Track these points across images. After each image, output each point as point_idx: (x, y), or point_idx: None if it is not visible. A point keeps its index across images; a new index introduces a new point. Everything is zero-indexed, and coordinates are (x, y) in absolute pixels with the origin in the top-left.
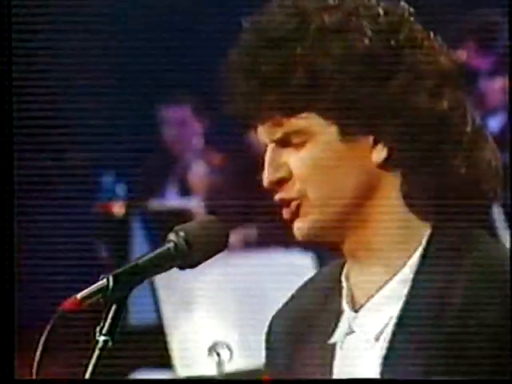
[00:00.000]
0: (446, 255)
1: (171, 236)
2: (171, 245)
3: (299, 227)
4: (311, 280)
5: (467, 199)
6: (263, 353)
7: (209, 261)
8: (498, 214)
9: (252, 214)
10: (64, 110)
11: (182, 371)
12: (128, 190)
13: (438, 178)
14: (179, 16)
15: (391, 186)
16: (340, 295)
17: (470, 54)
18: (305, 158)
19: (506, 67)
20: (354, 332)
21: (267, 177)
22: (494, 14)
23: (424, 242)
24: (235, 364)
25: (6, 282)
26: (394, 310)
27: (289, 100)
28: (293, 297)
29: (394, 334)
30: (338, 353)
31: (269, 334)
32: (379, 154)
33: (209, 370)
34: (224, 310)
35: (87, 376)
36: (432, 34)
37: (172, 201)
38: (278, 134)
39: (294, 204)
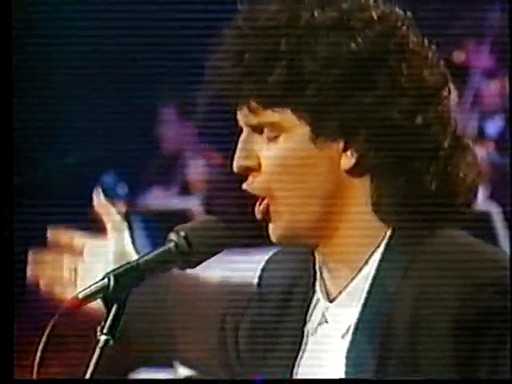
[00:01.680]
0: (404, 251)
1: (172, 236)
2: (172, 244)
3: (273, 232)
4: (276, 267)
5: (436, 213)
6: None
7: (209, 260)
8: (496, 216)
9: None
10: (64, 110)
11: (182, 371)
12: (128, 190)
13: (405, 191)
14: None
15: (359, 192)
16: (311, 285)
17: (471, 52)
18: (274, 154)
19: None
20: (327, 322)
21: (237, 161)
22: (495, 11)
23: (385, 241)
24: None
25: (6, 282)
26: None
27: (266, 92)
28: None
29: (356, 328)
30: (310, 339)
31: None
32: (348, 160)
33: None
34: None
35: (88, 374)
36: (427, 42)
37: (172, 201)
38: (253, 121)
39: (264, 204)
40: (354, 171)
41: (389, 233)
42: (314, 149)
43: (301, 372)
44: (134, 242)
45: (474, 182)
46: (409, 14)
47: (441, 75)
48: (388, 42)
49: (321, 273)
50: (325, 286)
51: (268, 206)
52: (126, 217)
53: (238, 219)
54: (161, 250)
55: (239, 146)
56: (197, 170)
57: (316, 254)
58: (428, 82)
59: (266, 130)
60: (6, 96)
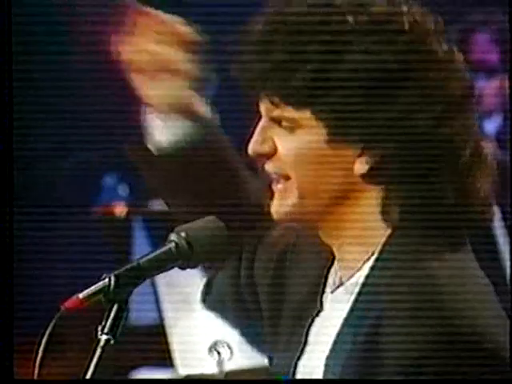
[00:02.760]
0: (398, 259)
1: (172, 236)
2: (172, 245)
3: (278, 208)
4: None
5: (452, 228)
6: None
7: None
8: (496, 222)
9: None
10: (65, 111)
11: (182, 370)
12: (129, 191)
13: (418, 201)
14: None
15: (369, 197)
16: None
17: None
18: (291, 143)
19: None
20: (323, 310)
21: (253, 146)
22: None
23: (381, 244)
24: (235, 363)
25: (6, 283)
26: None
27: (289, 90)
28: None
29: (342, 324)
30: (312, 330)
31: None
32: (362, 165)
33: (209, 368)
34: None
35: (89, 374)
36: (456, 50)
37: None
38: (273, 113)
39: (282, 184)
40: (367, 177)
41: (388, 232)
42: (329, 150)
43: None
44: (134, 243)
45: (490, 193)
46: (440, 19)
47: (467, 84)
48: (417, 52)
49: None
50: (337, 275)
51: (284, 189)
52: (128, 218)
53: (239, 220)
54: (161, 250)
55: (257, 131)
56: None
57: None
58: (455, 92)
59: (284, 122)
60: (5, 96)
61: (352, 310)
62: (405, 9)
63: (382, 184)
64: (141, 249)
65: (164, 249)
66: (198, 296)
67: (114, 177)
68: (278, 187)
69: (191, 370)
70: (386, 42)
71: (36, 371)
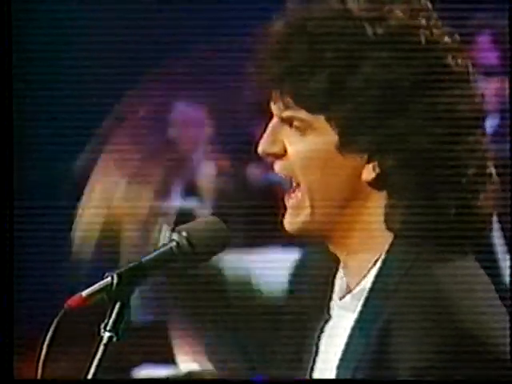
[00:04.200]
0: (404, 258)
1: (174, 236)
2: (174, 244)
3: (292, 222)
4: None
5: (453, 237)
6: None
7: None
8: (496, 231)
9: (254, 214)
10: (66, 110)
11: (184, 367)
12: None
13: (420, 212)
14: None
15: (375, 203)
16: (330, 289)
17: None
18: (301, 144)
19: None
20: (331, 318)
21: (263, 146)
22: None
23: (386, 250)
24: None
25: (6, 283)
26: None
27: (304, 95)
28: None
29: (352, 330)
30: (323, 338)
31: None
32: (370, 172)
33: (209, 365)
34: None
35: (92, 371)
36: (471, 68)
37: (175, 201)
38: (285, 114)
39: (297, 193)
40: (374, 183)
41: (391, 239)
42: (339, 156)
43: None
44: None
45: (491, 211)
46: (456, 36)
47: (478, 106)
48: (432, 68)
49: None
50: (345, 283)
51: (295, 193)
52: None
53: (240, 219)
54: (163, 249)
55: (268, 131)
56: (203, 172)
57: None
58: (465, 113)
59: (295, 123)
60: (5, 96)
61: (360, 316)
62: (423, 22)
63: (387, 191)
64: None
65: (166, 248)
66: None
67: None
68: (290, 202)
69: (192, 366)
70: (401, 57)
71: (40, 369)
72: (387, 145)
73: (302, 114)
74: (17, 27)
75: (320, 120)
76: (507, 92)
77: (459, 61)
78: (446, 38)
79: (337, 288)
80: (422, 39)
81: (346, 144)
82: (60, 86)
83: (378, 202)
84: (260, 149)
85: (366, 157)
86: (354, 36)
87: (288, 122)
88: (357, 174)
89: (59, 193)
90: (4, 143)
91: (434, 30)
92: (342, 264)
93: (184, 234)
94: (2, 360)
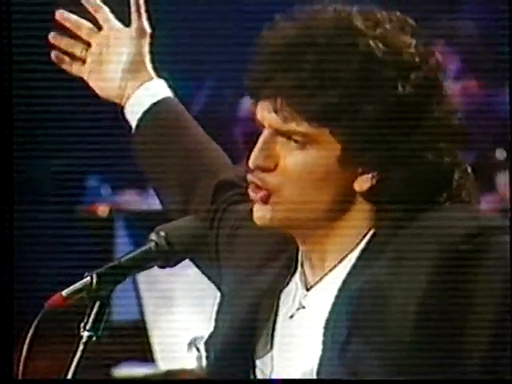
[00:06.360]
0: (385, 247)
1: (152, 236)
2: (152, 244)
3: (264, 213)
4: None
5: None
6: None
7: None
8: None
9: None
10: (52, 112)
11: (163, 365)
12: (112, 191)
13: (411, 229)
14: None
15: (362, 212)
16: (291, 275)
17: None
18: (299, 159)
19: (471, 71)
20: (304, 307)
21: (255, 160)
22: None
23: (366, 239)
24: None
25: (6, 283)
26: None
27: (311, 110)
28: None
29: (331, 311)
30: (288, 323)
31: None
32: (363, 183)
33: (189, 364)
34: (203, 305)
35: (71, 370)
36: (449, 84)
37: (155, 202)
38: (283, 128)
39: (264, 192)
40: (365, 194)
41: (371, 232)
42: (339, 168)
43: (276, 354)
44: (116, 242)
45: (477, 207)
46: (439, 56)
47: (459, 119)
48: (430, 87)
49: (302, 264)
50: (304, 275)
51: (269, 196)
52: (110, 217)
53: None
54: (142, 249)
55: (260, 145)
56: None
57: (300, 246)
58: (454, 127)
59: (295, 136)
60: (5, 96)
61: (334, 307)
62: (414, 42)
63: (378, 202)
64: (123, 248)
65: (144, 248)
66: (178, 293)
67: (98, 178)
68: (259, 195)
69: (171, 365)
70: (404, 76)
71: (20, 370)
72: (392, 158)
73: (305, 127)
74: (16, 28)
75: (324, 133)
76: (507, 91)
77: (446, 80)
78: (434, 59)
79: (299, 283)
80: (417, 59)
81: (350, 157)
82: (60, 86)
83: (365, 212)
84: (251, 163)
85: (360, 169)
86: (363, 54)
87: (286, 134)
88: (348, 184)
89: (59, 191)
90: (4, 143)
91: (422, 51)
92: (307, 257)
93: (162, 234)
94: (1, 360)
